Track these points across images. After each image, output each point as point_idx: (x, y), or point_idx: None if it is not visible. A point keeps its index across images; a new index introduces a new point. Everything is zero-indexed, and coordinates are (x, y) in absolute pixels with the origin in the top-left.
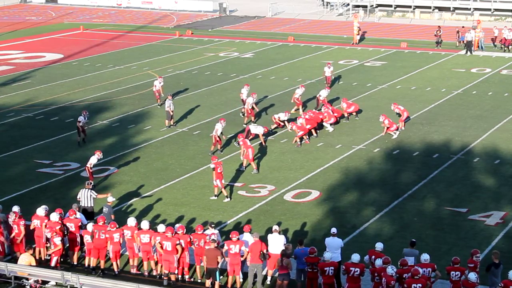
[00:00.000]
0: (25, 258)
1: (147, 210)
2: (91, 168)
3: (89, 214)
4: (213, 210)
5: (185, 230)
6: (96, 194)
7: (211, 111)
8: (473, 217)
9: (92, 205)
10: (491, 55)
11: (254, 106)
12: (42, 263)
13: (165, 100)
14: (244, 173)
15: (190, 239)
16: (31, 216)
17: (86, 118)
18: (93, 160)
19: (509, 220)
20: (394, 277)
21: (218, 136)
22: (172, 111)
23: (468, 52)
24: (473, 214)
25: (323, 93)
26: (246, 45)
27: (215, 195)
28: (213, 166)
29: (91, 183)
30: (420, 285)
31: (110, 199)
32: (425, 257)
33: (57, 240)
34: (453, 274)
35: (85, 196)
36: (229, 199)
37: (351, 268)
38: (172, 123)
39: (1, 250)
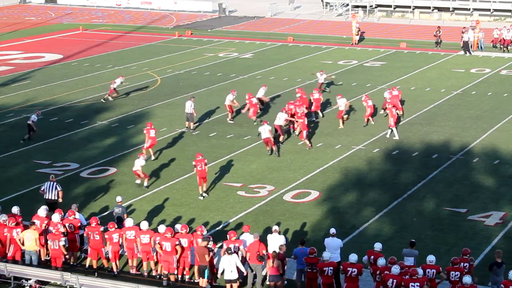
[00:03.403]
0: (30, 235)
1: (146, 210)
2: None
3: (52, 205)
4: (213, 211)
5: (188, 229)
6: (61, 188)
7: (211, 112)
8: (473, 217)
9: (56, 198)
10: (491, 55)
11: (232, 103)
12: (42, 264)
13: (186, 101)
14: (244, 174)
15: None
16: (31, 217)
17: (37, 118)
18: None
19: (509, 220)
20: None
21: (281, 129)
22: (190, 113)
23: (467, 53)
24: (473, 214)
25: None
26: (246, 46)
27: (201, 195)
28: (193, 163)
29: (54, 176)
30: (418, 284)
31: (119, 198)
32: (430, 258)
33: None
34: (452, 274)
35: (50, 189)
36: (202, 197)
37: (348, 269)
38: (191, 126)
39: (2, 250)
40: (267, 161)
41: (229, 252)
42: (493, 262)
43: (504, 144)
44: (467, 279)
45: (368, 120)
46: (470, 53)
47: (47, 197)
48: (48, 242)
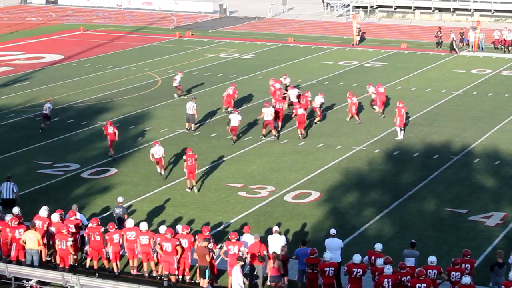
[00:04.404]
0: (32, 236)
1: (146, 211)
2: None
3: (10, 204)
4: (213, 211)
5: (188, 230)
6: (17, 189)
7: (211, 112)
8: (473, 218)
9: (14, 197)
10: (491, 56)
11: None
12: (43, 264)
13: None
14: (245, 174)
15: (194, 239)
16: (32, 217)
17: (52, 106)
18: None
19: (509, 221)
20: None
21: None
22: (191, 114)
23: (453, 51)
24: (473, 215)
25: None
26: (246, 46)
27: (189, 188)
28: (184, 157)
29: (11, 176)
30: (424, 285)
31: (120, 199)
32: (431, 259)
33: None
34: (453, 274)
35: (7, 189)
36: (189, 190)
37: (353, 269)
38: (192, 127)
39: (5, 250)
40: (268, 161)
41: (239, 261)
42: (494, 263)
43: (504, 144)
44: (466, 279)
45: (357, 116)
46: (456, 52)
47: (4, 197)
48: (56, 242)
